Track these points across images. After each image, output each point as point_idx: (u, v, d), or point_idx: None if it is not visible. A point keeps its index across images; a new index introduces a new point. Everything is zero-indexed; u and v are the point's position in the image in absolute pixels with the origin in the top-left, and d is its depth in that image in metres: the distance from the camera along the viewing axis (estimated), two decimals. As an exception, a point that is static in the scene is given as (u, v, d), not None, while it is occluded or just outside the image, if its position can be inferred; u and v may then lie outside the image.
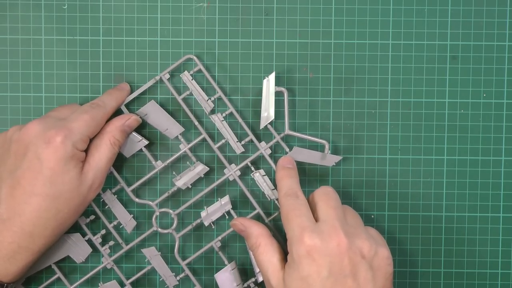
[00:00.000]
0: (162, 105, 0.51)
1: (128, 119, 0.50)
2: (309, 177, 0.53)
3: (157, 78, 0.51)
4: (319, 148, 0.52)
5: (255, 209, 0.51)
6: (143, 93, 0.51)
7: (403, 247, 0.53)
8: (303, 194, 0.47)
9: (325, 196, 0.47)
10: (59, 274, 0.51)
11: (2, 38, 0.52)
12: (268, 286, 0.47)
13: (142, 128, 0.52)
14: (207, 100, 0.50)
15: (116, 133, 0.49)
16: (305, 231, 0.44)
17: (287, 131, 0.50)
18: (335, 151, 0.53)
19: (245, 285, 0.51)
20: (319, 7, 0.52)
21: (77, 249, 0.51)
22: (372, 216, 0.53)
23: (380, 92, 0.53)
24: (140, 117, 0.50)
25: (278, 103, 0.51)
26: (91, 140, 0.48)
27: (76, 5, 0.52)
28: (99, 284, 0.52)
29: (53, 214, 0.46)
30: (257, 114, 0.52)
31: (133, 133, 0.50)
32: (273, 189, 0.51)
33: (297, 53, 0.52)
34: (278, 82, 0.52)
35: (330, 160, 0.51)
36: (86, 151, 0.48)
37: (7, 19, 0.52)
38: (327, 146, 0.50)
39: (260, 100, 0.52)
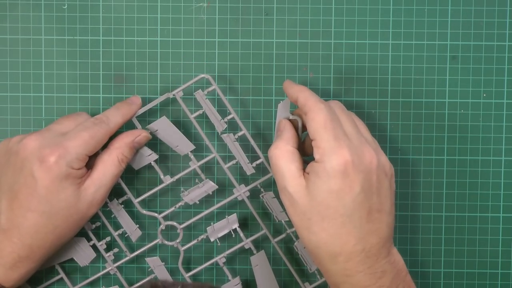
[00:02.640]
0: (173, 119, 0.51)
1: (138, 136, 0.49)
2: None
3: (170, 95, 0.50)
4: None
5: (262, 229, 0.51)
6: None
7: (403, 247, 0.53)
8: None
9: (343, 111, 0.46)
10: (62, 275, 0.51)
11: (2, 38, 0.52)
12: (282, 194, 0.45)
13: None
14: (220, 120, 0.50)
15: (124, 149, 0.48)
16: (343, 144, 0.43)
17: None
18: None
19: None
20: (319, 7, 0.52)
21: (82, 253, 0.51)
22: (372, 216, 0.53)
23: (380, 92, 0.53)
24: (150, 133, 0.50)
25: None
26: (98, 154, 0.48)
27: (76, 5, 0.52)
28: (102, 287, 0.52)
29: (51, 229, 0.46)
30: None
31: (144, 147, 0.50)
32: (282, 212, 0.51)
33: (297, 53, 0.52)
34: (278, 82, 0.52)
35: None
36: (92, 164, 0.47)
37: (7, 19, 0.52)
38: None
39: (262, 99, 0.52)
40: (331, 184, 0.43)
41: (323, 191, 0.43)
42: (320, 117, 0.44)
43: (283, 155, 0.45)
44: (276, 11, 0.52)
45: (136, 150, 0.49)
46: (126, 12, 0.52)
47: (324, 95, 0.52)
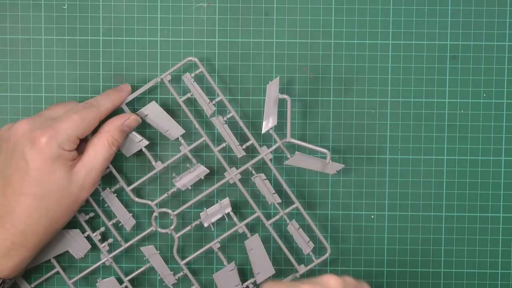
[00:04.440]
0: (163, 105, 0.51)
1: (128, 119, 0.49)
2: (309, 177, 0.53)
3: (158, 79, 0.51)
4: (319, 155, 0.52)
5: (255, 211, 0.51)
6: (144, 93, 0.51)
7: (403, 247, 0.53)
8: None
9: None
10: (58, 268, 0.52)
11: (2, 38, 0.52)
12: None
13: (143, 127, 0.52)
14: (209, 103, 0.50)
15: (114, 132, 0.48)
16: None
17: (289, 138, 0.50)
18: (335, 151, 0.53)
19: (244, 285, 0.51)
20: (319, 7, 0.52)
21: (76, 244, 0.51)
22: (372, 216, 0.53)
23: (380, 92, 0.53)
24: (140, 118, 0.50)
25: (280, 106, 0.51)
26: (88, 139, 0.48)
27: (76, 5, 0.52)
28: (98, 280, 0.52)
29: (44, 213, 0.46)
30: (259, 114, 0.52)
31: (134, 132, 0.50)
32: (274, 193, 0.51)
33: (297, 53, 0.52)
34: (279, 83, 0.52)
35: (331, 168, 0.50)
36: (83, 149, 0.48)
37: (7, 19, 0.52)
38: (328, 156, 0.50)
39: (261, 100, 0.52)
40: None
41: None
42: None
43: None
44: (276, 11, 0.52)
45: (126, 134, 0.50)
46: (126, 12, 0.52)
47: (324, 95, 0.52)
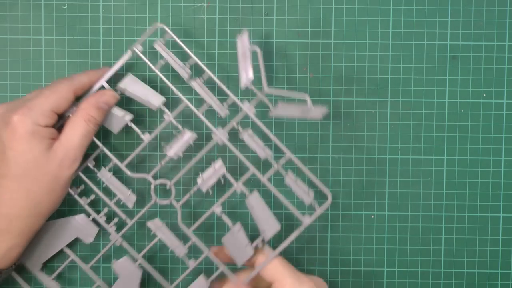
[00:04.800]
0: (143, 81, 0.50)
1: (104, 95, 0.49)
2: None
3: (129, 51, 0.50)
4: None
5: (248, 169, 0.50)
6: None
7: (403, 247, 0.53)
8: None
9: None
10: (73, 256, 0.51)
11: (2, 38, 0.52)
12: None
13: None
14: (183, 66, 0.49)
15: (90, 109, 0.48)
16: (303, 276, 0.47)
17: (266, 89, 0.49)
18: (335, 151, 0.53)
19: (254, 244, 0.50)
20: (319, 7, 0.52)
21: (84, 230, 0.51)
22: (372, 216, 0.53)
23: (380, 92, 0.53)
24: (120, 93, 0.50)
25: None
26: (65, 117, 0.48)
27: (76, 5, 0.52)
28: (112, 262, 0.51)
29: (24, 194, 0.46)
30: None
31: (116, 108, 0.49)
32: (265, 146, 0.50)
33: (297, 53, 0.52)
34: (278, 82, 0.52)
35: (316, 112, 0.49)
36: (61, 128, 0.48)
37: (7, 19, 0.52)
38: (308, 99, 0.48)
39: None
40: None
41: None
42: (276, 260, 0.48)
43: None
44: (276, 11, 0.52)
45: (105, 111, 0.49)
46: (126, 12, 0.52)
47: (324, 95, 0.52)
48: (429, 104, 0.53)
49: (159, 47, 0.50)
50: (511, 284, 0.53)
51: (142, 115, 0.53)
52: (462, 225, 0.53)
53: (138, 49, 0.50)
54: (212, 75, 0.49)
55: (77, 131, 0.47)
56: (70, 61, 0.52)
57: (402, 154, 0.53)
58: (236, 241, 0.50)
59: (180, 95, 0.50)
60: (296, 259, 0.53)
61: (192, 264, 0.51)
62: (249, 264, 0.50)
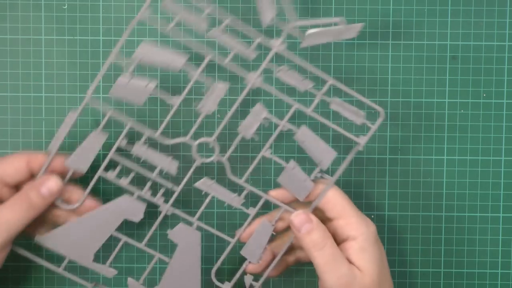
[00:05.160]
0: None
1: (48, 180, 0.47)
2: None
3: (138, 16, 0.46)
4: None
5: (291, 106, 0.48)
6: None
7: (403, 247, 0.53)
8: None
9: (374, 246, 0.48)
10: (125, 238, 0.49)
11: (2, 38, 0.52)
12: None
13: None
14: (201, 18, 0.47)
15: (31, 192, 0.46)
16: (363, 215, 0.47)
17: (293, 21, 0.46)
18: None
19: (312, 176, 0.49)
20: (319, 7, 0.52)
21: (130, 209, 0.49)
22: (372, 216, 0.53)
23: (380, 92, 0.53)
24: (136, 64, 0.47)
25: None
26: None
27: (76, 5, 0.52)
28: (168, 231, 0.49)
29: None
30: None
31: (135, 78, 0.47)
32: (304, 79, 0.47)
33: (297, 53, 0.52)
34: (278, 83, 0.52)
35: (351, 31, 0.47)
36: None
37: (7, 19, 0.52)
38: (341, 21, 0.46)
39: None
40: (379, 251, 0.47)
41: (377, 260, 0.47)
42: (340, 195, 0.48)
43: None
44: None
45: (47, 198, 0.47)
46: (126, 12, 0.52)
47: (324, 95, 0.52)
48: (429, 104, 0.53)
49: (169, 3, 0.47)
50: (511, 284, 0.53)
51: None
52: (462, 225, 0.53)
53: (147, 13, 0.46)
54: (235, 20, 0.47)
55: (14, 214, 0.45)
56: (70, 61, 0.52)
57: (402, 154, 0.53)
58: (293, 177, 0.48)
59: (204, 49, 0.47)
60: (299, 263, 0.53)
61: (252, 211, 0.49)
62: (311, 199, 0.49)
